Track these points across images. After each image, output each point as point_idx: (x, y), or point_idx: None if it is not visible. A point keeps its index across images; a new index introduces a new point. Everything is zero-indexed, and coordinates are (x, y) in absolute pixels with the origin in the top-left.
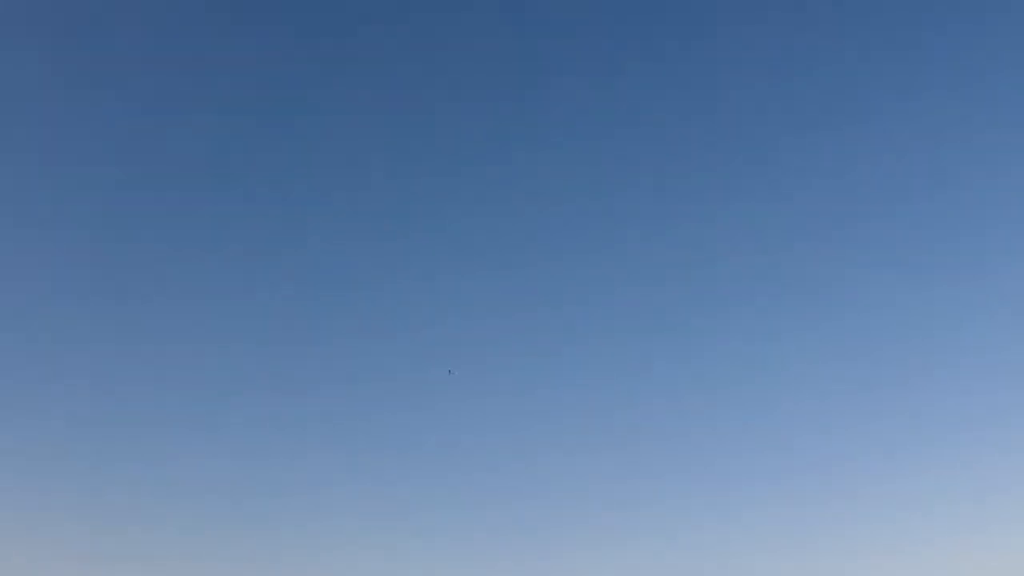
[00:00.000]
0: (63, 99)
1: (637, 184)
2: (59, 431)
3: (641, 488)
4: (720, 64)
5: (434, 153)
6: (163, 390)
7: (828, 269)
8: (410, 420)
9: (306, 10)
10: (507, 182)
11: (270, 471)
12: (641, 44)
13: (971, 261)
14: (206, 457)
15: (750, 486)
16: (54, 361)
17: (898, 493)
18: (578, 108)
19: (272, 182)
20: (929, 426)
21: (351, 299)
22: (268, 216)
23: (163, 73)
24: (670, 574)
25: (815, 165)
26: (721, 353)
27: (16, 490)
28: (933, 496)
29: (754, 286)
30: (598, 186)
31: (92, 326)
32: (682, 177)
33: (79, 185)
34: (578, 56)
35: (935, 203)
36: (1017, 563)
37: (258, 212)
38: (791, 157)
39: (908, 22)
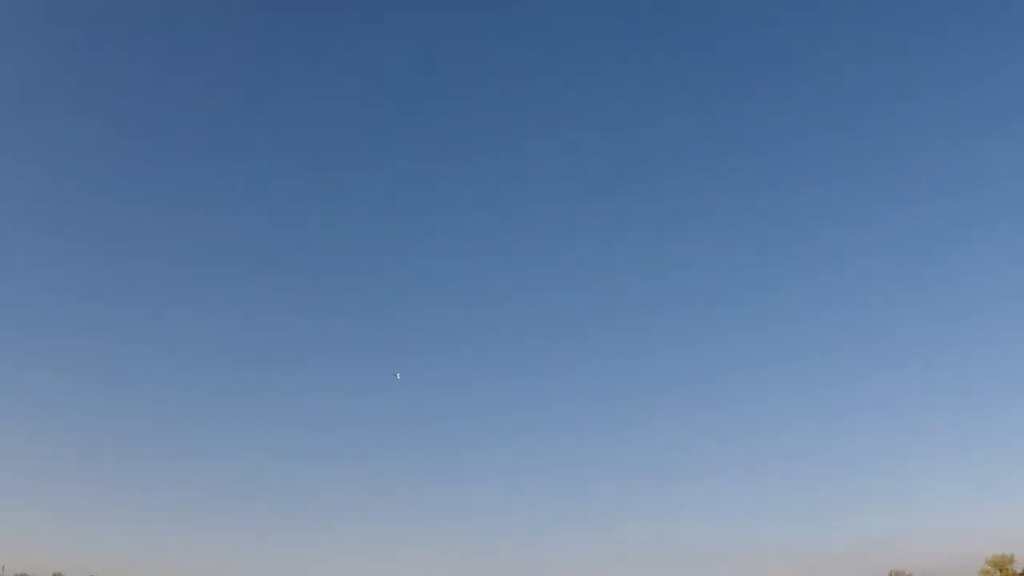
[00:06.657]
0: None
1: (641, 185)
2: (63, 430)
3: (643, 490)
4: (724, 66)
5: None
6: (165, 387)
7: (826, 270)
8: (409, 424)
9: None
10: (502, 178)
11: (271, 473)
12: (647, 48)
13: (974, 260)
14: (209, 457)
15: (753, 487)
16: (60, 362)
17: (904, 491)
18: (581, 108)
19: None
20: (929, 424)
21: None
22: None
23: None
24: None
25: (819, 166)
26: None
27: (16, 489)
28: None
29: (755, 287)
30: (597, 186)
31: (99, 326)
32: (688, 177)
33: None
34: (577, 57)
35: (940, 203)
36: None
37: (242, 223)
38: (795, 158)
39: (911, 24)
